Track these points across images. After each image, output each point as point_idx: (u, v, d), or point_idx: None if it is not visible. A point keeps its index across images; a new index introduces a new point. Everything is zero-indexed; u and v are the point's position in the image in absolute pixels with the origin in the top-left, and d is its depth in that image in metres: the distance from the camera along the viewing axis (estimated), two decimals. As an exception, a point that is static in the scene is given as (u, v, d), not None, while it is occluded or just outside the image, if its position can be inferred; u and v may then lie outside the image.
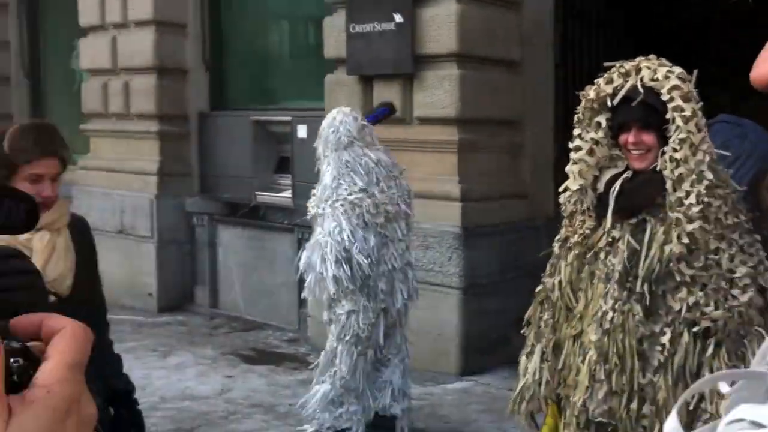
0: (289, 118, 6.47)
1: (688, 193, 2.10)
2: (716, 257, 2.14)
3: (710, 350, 2.14)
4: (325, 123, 4.17)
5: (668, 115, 2.13)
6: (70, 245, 2.30)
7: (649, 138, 2.16)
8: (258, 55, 7.37)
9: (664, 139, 2.15)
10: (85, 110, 7.83)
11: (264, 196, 6.62)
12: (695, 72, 2.22)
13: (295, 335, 6.35)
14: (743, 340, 2.17)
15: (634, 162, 2.19)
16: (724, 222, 2.15)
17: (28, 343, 0.57)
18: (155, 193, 7.16)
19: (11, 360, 0.54)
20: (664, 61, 2.23)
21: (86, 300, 2.30)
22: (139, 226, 7.26)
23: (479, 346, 5.41)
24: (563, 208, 2.34)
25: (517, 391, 2.44)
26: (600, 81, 2.22)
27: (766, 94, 2.10)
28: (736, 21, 6.92)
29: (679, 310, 2.14)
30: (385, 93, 5.61)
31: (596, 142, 2.21)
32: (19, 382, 0.54)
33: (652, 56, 2.23)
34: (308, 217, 4.22)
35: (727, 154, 2.43)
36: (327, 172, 4.08)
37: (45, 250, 2.22)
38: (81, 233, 2.40)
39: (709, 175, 2.11)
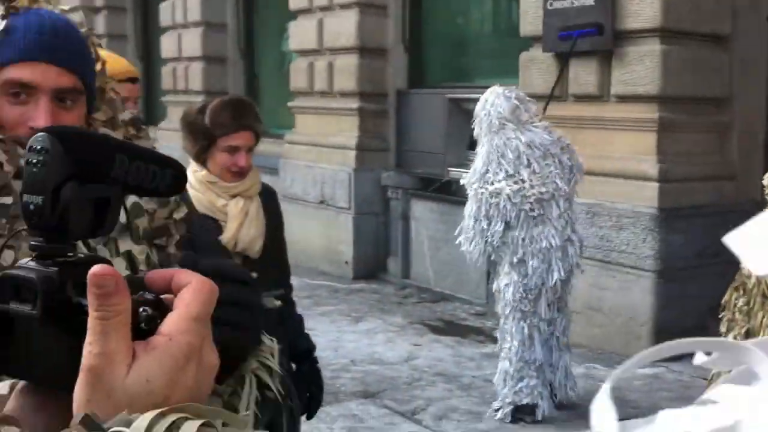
0: (483, 96, 6.49)
1: None
2: None
3: None
4: (479, 105, 4.19)
5: None
6: (261, 212, 2.50)
7: None
8: (455, 34, 7.45)
9: None
10: (292, 88, 8.31)
11: (456, 172, 6.71)
12: None
13: (483, 309, 6.41)
14: None
15: None
16: None
17: (162, 296, 0.62)
18: (354, 167, 7.47)
19: (140, 309, 0.59)
20: None
21: (274, 263, 2.50)
22: (338, 197, 7.62)
23: (673, 331, 5.18)
24: (767, 191, 2.21)
25: (709, 378, 2.35)
26: None
27: None
28: None
29: None
30: (582, 70, 5.49)
31: None
32: (147, 329, 0.59)
33: None
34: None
35: None
36: (479, 156, 4.14)
37: (239, 215, 2.43)
38: (270, 201, 2.59)
39: None
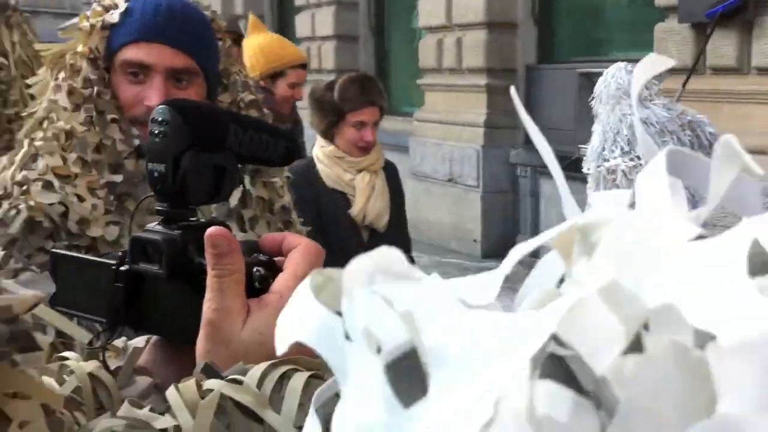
0: (615, 70, 6.31)
1: None
2: None
3: None
4: (600, 80, 4.10)
5: None
6: (385, 186, 2.58)
7: None
8: (586, 5, 7.26)
9: None
10: (421, 66, 8.35)
11: (587, 149, 6.58)
12: None
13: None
14: None
15: None
16: None
17: (276, 258, 0.67)
18: (482, 144, 7.46)
19: (254, 269, 0.65)
20: None
21: (398, 236, 2.58)
22: (466, 175, 7.64)
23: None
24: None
25: None
26: None
27: None
28: None
29: None
30: (720, 41, 5.25)
31: None
32: (261, 288, 0.64)
33: None
34: None
35: None
36: (595, 133, 4.07)
37: (366, 188, 2.52)
38: (392, 176, 2.67)
39: None
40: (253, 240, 0.69)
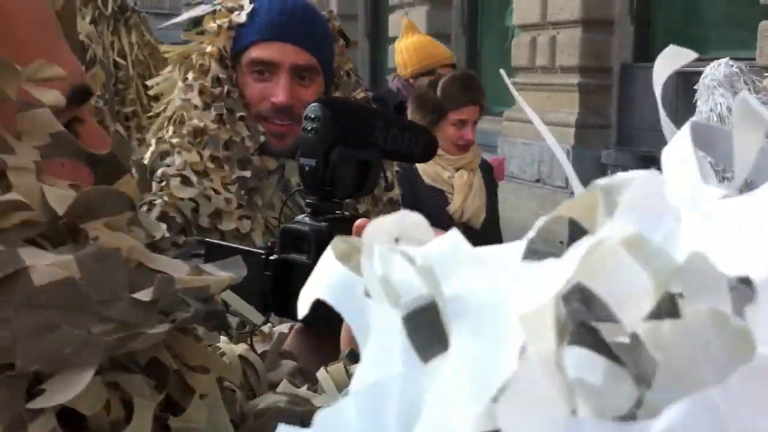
0: (716, 70, 6.13)
1: None
2: None
3: None
4: (703, 73, 4.14)
5: None
6: (482, 184, 2.59)
7: None
8: (686, 3, 7.06)
9: None
10: (514, 64, 8.29)
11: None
12: None
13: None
14: None
15: None
16: None
17: None
18: (572, 144, 7.35)
19: None
20: None
21: (493, 235, 2.58)
22: (555, 176, 7.54)
23: None
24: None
25: None
26: None
27: None
28: None
29: None
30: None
31: None
32: None
33: None
34: None
35: None
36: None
37: (464, 187, 2.54)
38: (487, 175, 2.67)
39: None
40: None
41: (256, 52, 1.40)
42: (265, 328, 0.73)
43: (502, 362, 0.22)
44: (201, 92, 1.40)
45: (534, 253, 0.27)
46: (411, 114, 2.63)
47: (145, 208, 1.30)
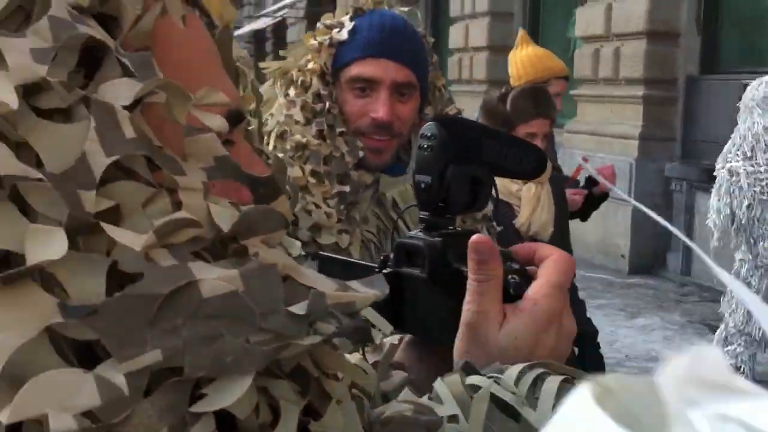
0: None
1: None
2: None
3: None
4: (748, 87, 4.26)
5: None
6: (551, 198, 2.58)
7: None
8: (754, 14, 6.91)
9: None
10: (576, 76, 8.21)
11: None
12: None
13: None
14: None
15: None
16: None
17: (528, 267, 0.69)
18: (635, 157, 7.25)
19: (509, 277, 0.68)
20: None
21: (561, 248, 2.57)
22: (618, 188, 7.44)
23: None
24: None
25: None
26: None
27: None
28: None
29: None
30: None
31: None
32: (515, 294, 0.67)
33: None
34: None
35: None
36: (731, 138, 4.30)
37: (532, 200, 2.53)
38: (557, 188, 2.66)
39: None
40: (506, 249, 0.72)
41: (358, 69, 1.42)
42: (376, 339, 0.75)
43: None
44: (303, 108, 1.43)
45: None
46: (480, 127, 2.64)
47: None
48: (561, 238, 2.67)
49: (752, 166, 4.18)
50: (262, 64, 1.56)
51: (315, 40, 1.46)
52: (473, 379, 0.60)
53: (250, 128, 0.54)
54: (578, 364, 2.46)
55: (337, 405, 0.43)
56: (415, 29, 1.50)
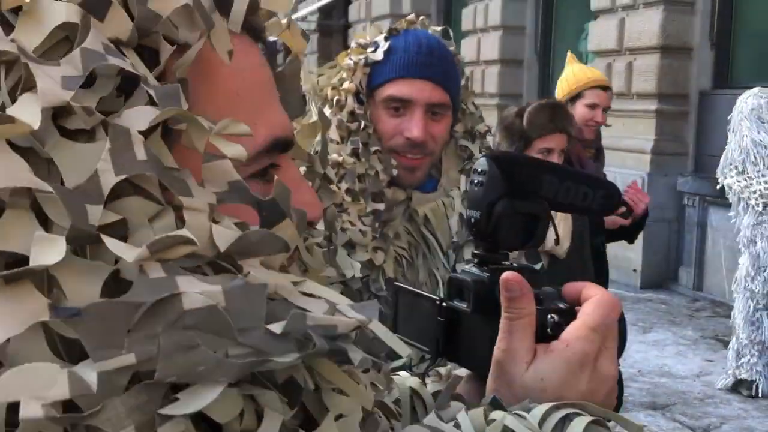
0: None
1: None
2: None
3: None
4: (738, 100, 4.29)
5: None
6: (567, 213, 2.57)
7: None
8: (767, 29, 6.91)
9: None
10: (587, 89, 8.21)
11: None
12: None
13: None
14: None
15: None
16: None
17: (577, 307, 0.68)
18: (647, 171, 7.24)
19: (549, 317, 0.67)
20: None
21: (577, 264, 2.56)
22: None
23: None
24: None
25: None
26: None
27: None
28: None
29: None
30: None
31: None
32: (553, 335, 0.66)
33: None
34: None
35: None
36: (725, 152, 4.35)
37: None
38: None
39: None
40: (557, 287, 0.71)
41: (393, 89, 1.43)
42: (443, 370, 0.76)
43: None
44: (338, 127, 1.44)
45: None
46: (497, 143, 2.64)
47: None
48: (579, 254, 2.66)
49: (744, 180, 4.27)
50: None
51: (350, 59, 1.47)
52: (497, 415, 0.60)
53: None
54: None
55: (337, 419, 0.45)
56: (448, 48, 1.51)
